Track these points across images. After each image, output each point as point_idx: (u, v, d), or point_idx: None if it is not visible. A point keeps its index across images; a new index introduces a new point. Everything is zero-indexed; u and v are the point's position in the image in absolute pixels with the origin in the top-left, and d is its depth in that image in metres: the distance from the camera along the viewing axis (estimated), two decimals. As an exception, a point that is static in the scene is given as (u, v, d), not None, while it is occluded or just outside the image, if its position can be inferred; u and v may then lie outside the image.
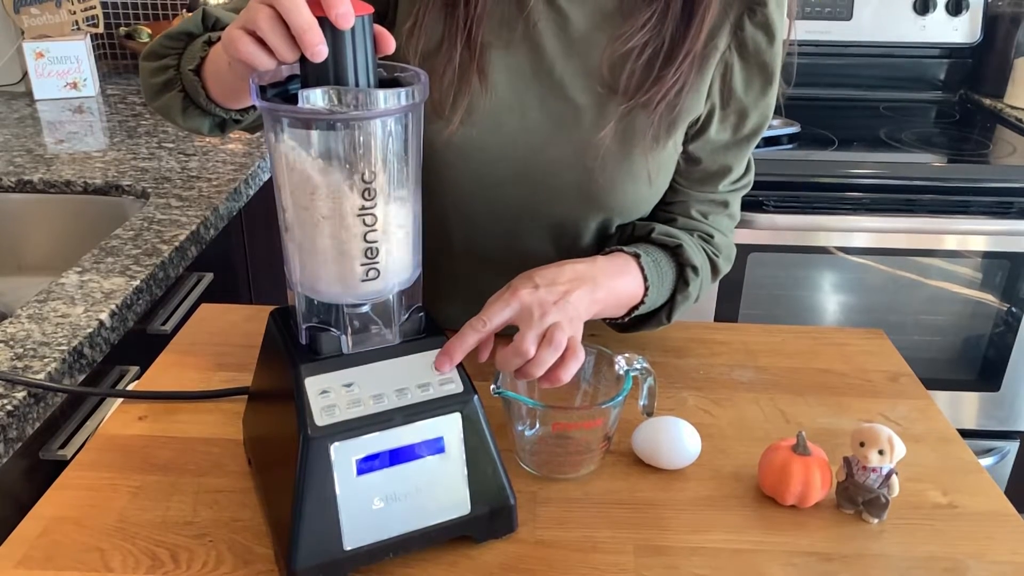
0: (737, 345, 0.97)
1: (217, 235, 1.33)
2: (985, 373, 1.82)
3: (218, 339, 0.94)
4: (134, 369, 1.07)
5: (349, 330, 0.63)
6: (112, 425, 0.80)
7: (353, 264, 0.60)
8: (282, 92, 0.58)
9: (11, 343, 0.91)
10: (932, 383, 1.26)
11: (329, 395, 0.61)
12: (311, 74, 0.55)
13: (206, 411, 0.82)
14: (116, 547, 0.65)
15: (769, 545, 0.67)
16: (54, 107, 1.87)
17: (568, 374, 0.67)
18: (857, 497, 0.70)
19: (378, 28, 0.57)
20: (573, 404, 0.77)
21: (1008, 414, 1.85)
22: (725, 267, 0.93)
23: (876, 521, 0.70)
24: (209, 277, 1.33)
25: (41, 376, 0.86)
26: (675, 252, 0.86)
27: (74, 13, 1.90)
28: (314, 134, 0.56)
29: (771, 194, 1.63)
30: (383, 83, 0.59)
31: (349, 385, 0.62)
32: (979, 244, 1.69)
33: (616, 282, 0.79)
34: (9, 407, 0.80)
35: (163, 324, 1.18)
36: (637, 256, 0.82)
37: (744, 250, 1.67)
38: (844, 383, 0.90)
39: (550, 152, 0.83)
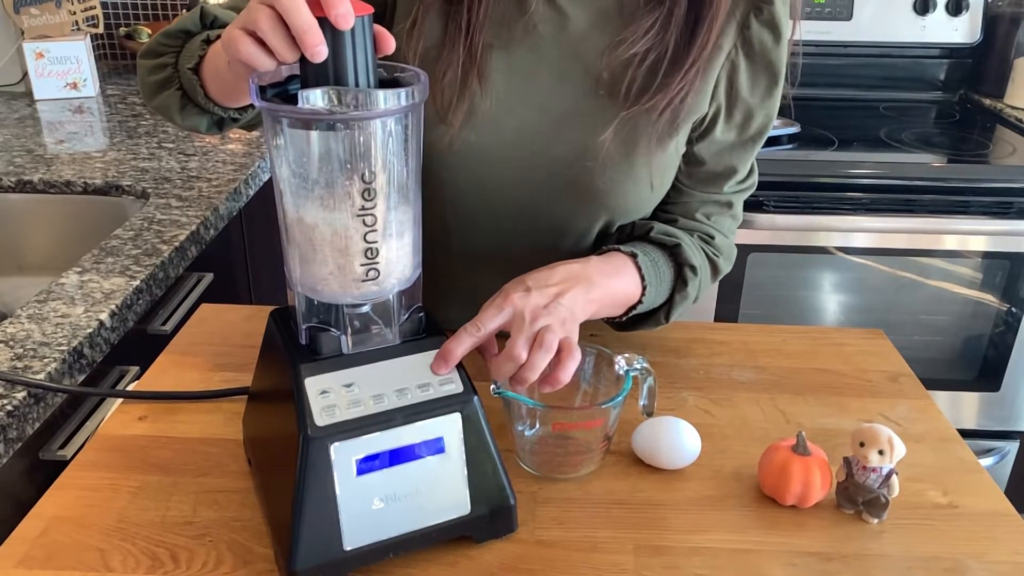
0: (737, 345, 0.97)
1: (217, 235, 1.33)
2: (985, 373, 1.82)
3: (218, 339, 0.94)
4: (134, 369, 1.07)
5: (349, 330, 0.63)
6: (112, 425, 0.80)
7: (353, 264, 0.60)
8: (282, 92, 0.58)
9: (11, 343, 0.91)
10: (932, 383, 1.27)
11: (329, 395, 0.61)
12: (311, 74, 0.55)
13: (206, 411, 0.82)
14: (116, 547, 0.65)
15: (769, 545, 0.67)
16: (54, 107, 1.87)
17: (567, 375, 0.67)
18: (857, 497, 0.70)
19: (378, 28, 0.57)
20: (573, 404, 0.77)
21: (1008, 414, 1.85)
22: (726, 268, 0.92)
23: (876, 521, 0.70)
24: (209, 277, 1.33)
25: (41, 376, 0.86)
26: (673, 252, 0.86)
27: (74, 13, 1.90)
28: (314, 134, 0.56)
29: (771, 194, 1.63)
30: (383, 83, 0.59)
31: (349, 385, 0.62)
32: (979, 244, 1.69)
33: (612, 281, 0.78)
34: (9, 407, 0.80)
35: (163, 324, 1.18)
36: (634, 256, 0.81)
37: (744, 250, 1.67)
38: (844, 383, 0.90)
39: (550, 153, 0.83)
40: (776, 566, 0.65)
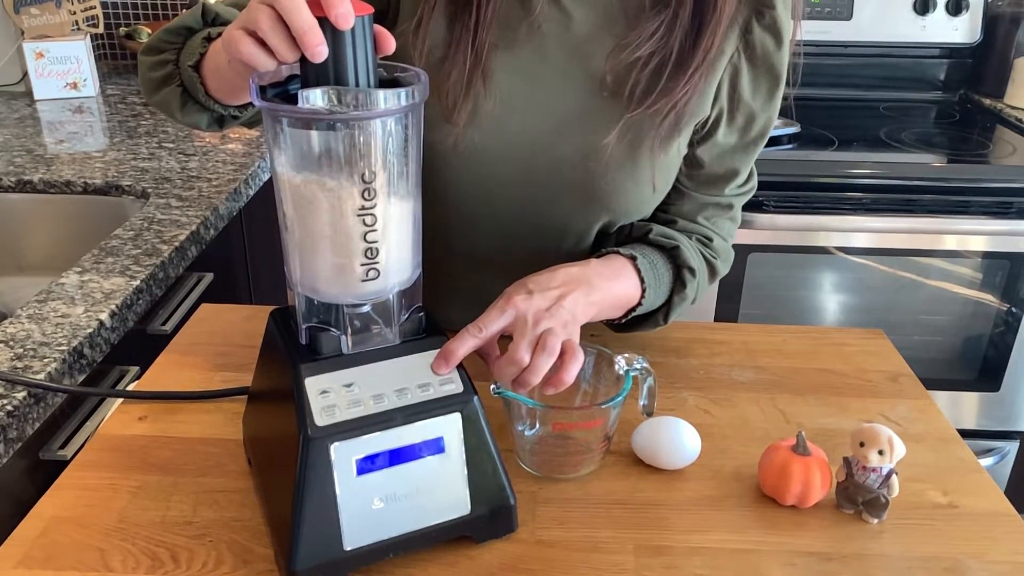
0: (737, 345, 0.97)
1: (217, 235, 1.33)
2: (985, 373, 1.82)
3: (218, 339, 0.94)
4: (134, 369, 1.07)
5: (349, 330, 0.63)
6: (112, 425, 0.80)
7: (353, 264, 0.60)
8: (282, 92, 0.58)
9: (11, 343, 0.91)
10: (932, 383, 1.26)
11: (329, 395, 0.61)
12: (311, 74, 0.55)
13: (206, 411, 0.82)
14: (116, 547, 0.65)
15: (769, 545, 0.67)
16: (54, 107, 1.87)
17: (570, 376, 0.67)
18: (857, 497, 0.70)
19: (378, 28, 0.57)
20: (573, 404, 0.77)
21: (1008, 414, 1.85)
22: (723, 270, 0.93)
23: (876, 521, 0.70)
24: (209, 277, 1.33)
25: (41, 376, 0.86)
26: (672, 254, 0.86)
27: (74, 13, 1.90)
28: (314, 134, 0.56)
29: (771, 194, 1.63)
30: (383, 83, 0.59)
31: (349, 385, 0.62)
32: (979, 244, 1.69)
33: (612, 284, 0.78)
34: (9, 407, 0.80)
35: (163, 324, 1.18)
36: (633, 258, 0.81)
37: (744, 250, 1.67)
38: (844, 383, 0.90)
39: (553, 154, 0.83)
40: (776, 566, 0.65)
